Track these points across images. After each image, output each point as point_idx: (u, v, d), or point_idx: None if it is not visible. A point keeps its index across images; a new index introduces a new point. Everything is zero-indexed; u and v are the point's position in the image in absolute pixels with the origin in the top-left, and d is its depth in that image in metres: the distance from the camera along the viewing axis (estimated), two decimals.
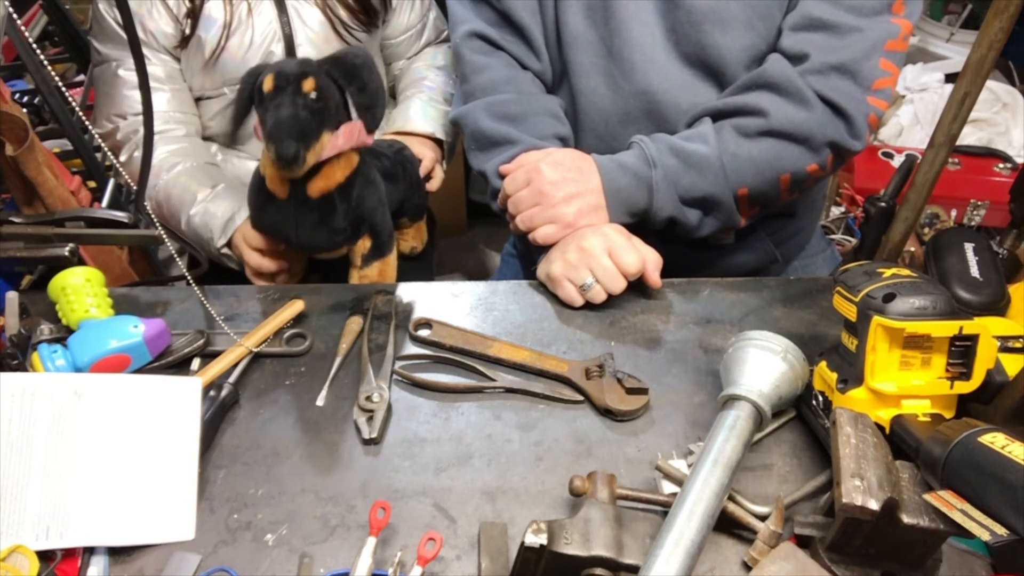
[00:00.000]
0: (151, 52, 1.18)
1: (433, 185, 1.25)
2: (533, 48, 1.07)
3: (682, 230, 0.99)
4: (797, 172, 0.95)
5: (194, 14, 1.15)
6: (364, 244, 0.96)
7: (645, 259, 0.90)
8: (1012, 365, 0.68)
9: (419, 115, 1.29)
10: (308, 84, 0.79)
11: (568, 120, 1.08)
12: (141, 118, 1.16)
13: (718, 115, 0.97)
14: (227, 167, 1.29)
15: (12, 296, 0.78)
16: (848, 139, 0.94)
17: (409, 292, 0.95)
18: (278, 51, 1.19)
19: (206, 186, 1.16)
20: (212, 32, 1.16)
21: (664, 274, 0.92)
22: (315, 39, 1.21)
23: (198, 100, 1.26)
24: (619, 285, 0.89)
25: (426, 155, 1.24)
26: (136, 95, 1.14)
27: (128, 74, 1.16)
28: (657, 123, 1.03)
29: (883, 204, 0.97)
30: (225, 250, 1.13)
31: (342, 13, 1.21)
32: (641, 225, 0.97)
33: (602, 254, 0.89)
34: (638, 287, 0.93)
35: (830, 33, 0.91)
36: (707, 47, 0.98)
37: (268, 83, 0.79)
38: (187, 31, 1.16)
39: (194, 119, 1.27)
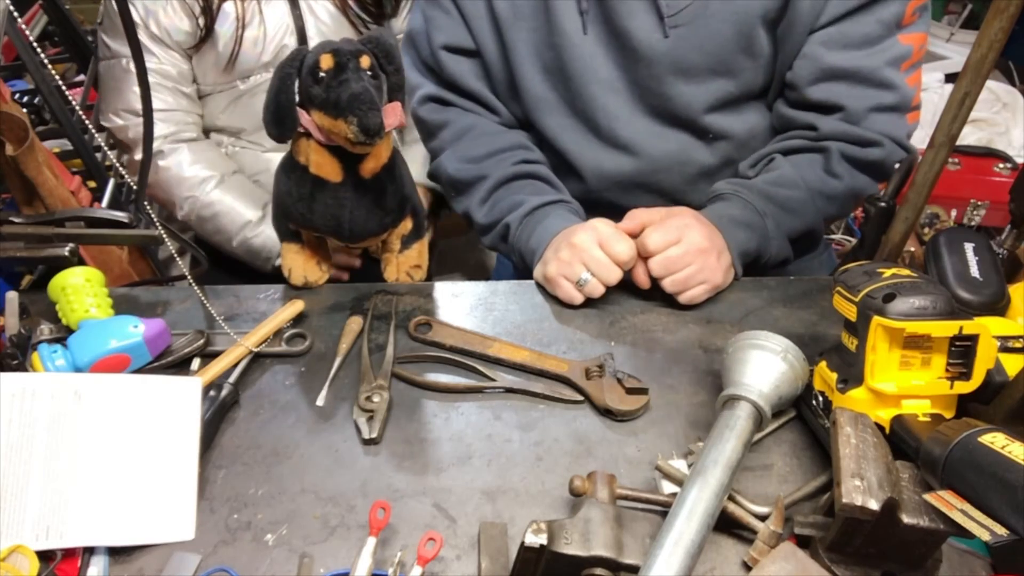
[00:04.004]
0: (163, 50, 1.19)
1: None
2: (488, 106, 1.08)
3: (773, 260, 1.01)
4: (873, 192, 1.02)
5: (210, 11, 1.16)
6: (406, 225, 0.94)
7: (636, 248, 0.89)
8: (1012, 365, 0.68)
9: (420, 166, 1.29)
10: (365, 61, 0.78)
11: (556, 170, 1.09)
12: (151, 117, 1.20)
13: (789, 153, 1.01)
14: (236, 159, 1.32)
15: (12, 296, 0.78)
16: (905, 155, 1.00)
17: (409, 292, 0.95)
18: (291, 43, 1.21)
19: (253, 207, 1.25)
20: (226, 27, 1.18)
21: None
22: (327, 32, 1.22)
23: (207, 95, 1.27)
24: (614, 275, 0.89)
25: None
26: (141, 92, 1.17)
27: None
28: (632, 176, 1.05)
29: (883, 204, 0.98)
30: (278, 262, 1.20)
31: (354, 6, 1.23)
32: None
33: (593, 246, 0.89)
34: (637, 286, 0.93)
35: (852, 82, 0.95)
36: (672, 98, 0.99)
37: (327, 61, 0.77)
38: (203, 29, 1.17)
39: (199, 118, 1.28)
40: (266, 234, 1.25)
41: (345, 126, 0.76)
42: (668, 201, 1.07)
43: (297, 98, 0.80)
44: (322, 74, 0.77)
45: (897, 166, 1.02)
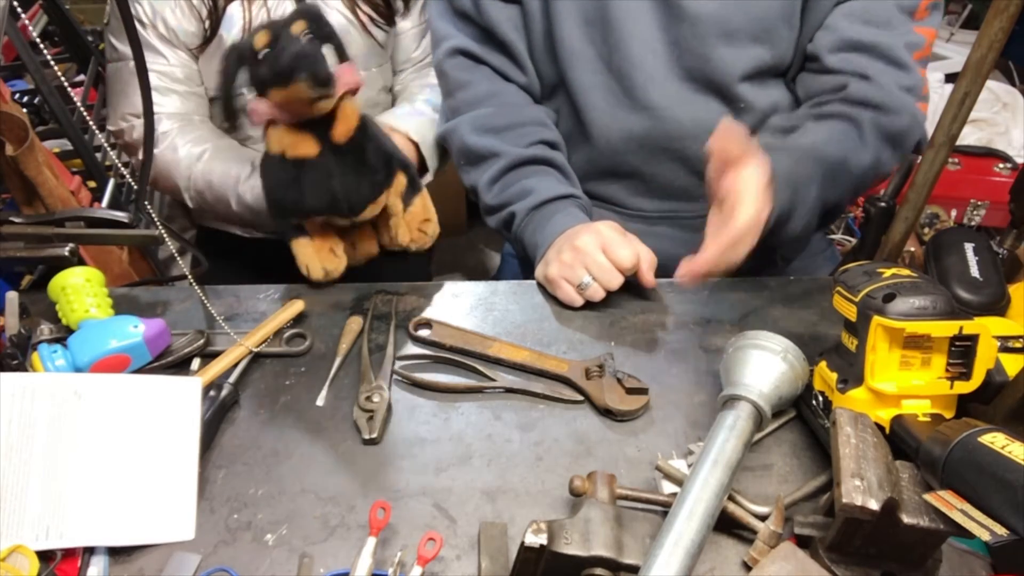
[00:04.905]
0: (170, 50, 1.18)
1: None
2: (518, 62, 1.07)
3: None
4: (888, 172, 1.01)
5: (216, 14, 1.15)
6: (400, 182, 0.94)
7: (639, 253, 0.89)
8: (1012, 365, 0.68)
9: (402, 116, 1.26)
10: (298, 27, 0.79)
11: (576, 136, 1.08)
12: (155, 119, 1.19)
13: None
14: None
15: (12, 296, 0.78)
16: (923, 134, 0.99)
17: (409, 292, 0.95)
18: None
19: (243, 164, 1.19)
20: (233, 32, 1.17)
21: (665, 274, 0.92)
22: None
23: (213, 99, 1.26)
24: (615, 281, 0.89)
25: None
26: (153, 95, 1.17)
27: None
28: (658, 140, 1.04)
29: (883, 204, 0.98)
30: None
31: (365, 7, 1.22)
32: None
33: (596, 251, 0.89)
34: (637, 287, 0.93)
35: (872, 55, 0.95)
36: (711, 60, 0.98)
37: (262, 38, 0.78)
38: (209, 32, 1.16)
39: (207, 120, 1.27)
40: (256, 187, 1.16)
41: (298, 86, 0.77)
42: (689, 170, 1.06)
43: (254, 92, 0.82)
44: (261, 53, 0.78)
45: (897, 166, 1.02)
